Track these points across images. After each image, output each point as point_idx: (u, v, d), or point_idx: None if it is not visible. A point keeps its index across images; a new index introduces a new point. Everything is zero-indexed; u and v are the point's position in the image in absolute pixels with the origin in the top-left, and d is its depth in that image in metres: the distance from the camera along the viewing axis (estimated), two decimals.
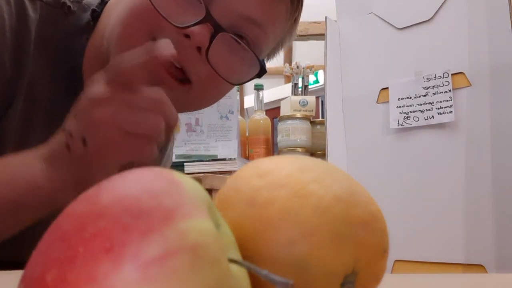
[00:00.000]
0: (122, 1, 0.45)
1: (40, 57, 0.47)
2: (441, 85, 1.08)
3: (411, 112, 1.13)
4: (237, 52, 0.46)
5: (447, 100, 1.07)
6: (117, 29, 0.44)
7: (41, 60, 0.47)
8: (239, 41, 0.45)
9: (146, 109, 0.36)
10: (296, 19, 0.53)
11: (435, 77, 1.10)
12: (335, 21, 1.34)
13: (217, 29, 0.43)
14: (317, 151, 1.62)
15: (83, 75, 0.49)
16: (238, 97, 1.58)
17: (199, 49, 0.43)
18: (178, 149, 1.38)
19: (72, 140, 0.37)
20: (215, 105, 1.47)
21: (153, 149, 0.37)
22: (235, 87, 1.53)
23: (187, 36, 0.42)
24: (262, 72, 0.48)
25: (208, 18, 0.42)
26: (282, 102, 1.77)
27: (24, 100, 0.47)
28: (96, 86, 0.36)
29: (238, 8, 0.45)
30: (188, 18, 0.42)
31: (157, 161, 0.65)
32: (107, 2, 0.51)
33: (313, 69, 1.89)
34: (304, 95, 1.82)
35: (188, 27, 0.42)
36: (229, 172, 1.32)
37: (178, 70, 0.45)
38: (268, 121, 1.75)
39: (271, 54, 0.54)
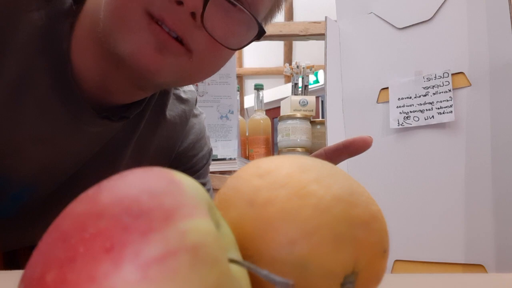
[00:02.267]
0: None
1: (25, 46, 0.46)
2: (441, 85, 1.08)
3: (411, 112, 1.13)
4: (233, 15, 0.45)
5: (447, 100, 1.07)
6: (110, 5, 0.43)
7: (27, 50, 0.46)
8: (235, 2, 0.44)
9: None
10: None
11: (435, 77, 1.10)
12: (335, 21, 1.34)
13: None
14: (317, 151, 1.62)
15: (72, 60, 0.48)
16: (238, 97, 1.58)
17: (193, 15, 0.42)
18: None
19: None
20: (215, 105, 1.47)
21: None
22: (235, 87, 1.53)
23: (179, 3, 0.41)
24: (260, 33, 0.47)
25: None
26: (282, 102, 1.77)
27: (12, 91, 0.45)
28: None
29: None
30: None
31: None
32: None
33: (313, 69, 1.89)
34: (304, 95, 1.82)
35: None
36: (229, 172, 1.32)
37: (177, 39, 0.44)
38: (268, 121, 1.75)
39: (268, 17, 0.53)
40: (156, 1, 0.42)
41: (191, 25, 0.43)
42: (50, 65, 0.47)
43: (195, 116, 0.66)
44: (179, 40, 0.43)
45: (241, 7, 0.44)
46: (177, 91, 0.63)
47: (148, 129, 0.58)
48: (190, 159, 0.65)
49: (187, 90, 0.65)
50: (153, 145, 0.60)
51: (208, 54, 0.46)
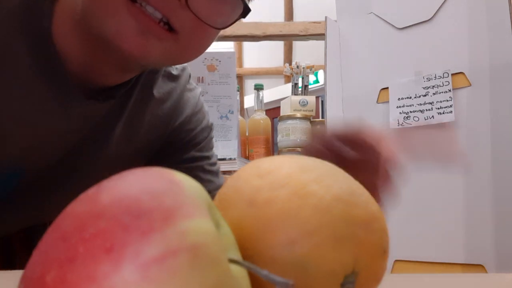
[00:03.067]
0: None
1: (2, 26, 0.45)
2: (441, 85, 1.08)
3: (411, 112, 1.13)
4: None
5: (447, 100, 1.07)
6: None
7: (5, 29, 0.45)
8: None
9: None
10: None
11: (435, 77, 1.10)
12: (335, 21, 1.34)
13: None
14: None
15: (54, 40, 0.47)
16: (238, 97, 1.58)
17: None
18: None
19: None
20: (215, 105, 1.47)
21: None
22: (235, 87, 1.53)
23: None
24: (246, 11, 0.46)
25: None
26: (282, 102, 1.77)
27: None
28: None
29: None
30: None
31: None
32: None
33: (313, 69, 1.89)
34: (304, 95, 1.82)
35: None
36: (229, 172, 1.32)
37: (161, 21, 0.43)
38: (268, 121, 1.75)
39: None
40: None
41: (176, 5, 0.42)
42: (31, 44, 0.46)
43: (190, 90, 0.65)
44: (164, 21, 0.43)
45: None
46: (168, 68, 0.62)
47: (137, 108, 0.57)
48: (188, 133, 0.64)
49: (179, 67, 0.64)
50: (144, 124, 0.59)
51: (194, 34, 0.46)
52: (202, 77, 1.47)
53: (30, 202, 0.55)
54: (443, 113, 1.07)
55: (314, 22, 2.36)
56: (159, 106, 0.60)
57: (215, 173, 0.66)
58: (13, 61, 0.46)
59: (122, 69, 0.50)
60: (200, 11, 0.43)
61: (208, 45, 0.50)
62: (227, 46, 3.54)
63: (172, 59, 0.49)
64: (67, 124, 0.51)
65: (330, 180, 0.23)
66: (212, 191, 0.65)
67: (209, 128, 0.68)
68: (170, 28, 0.44)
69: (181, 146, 0.63)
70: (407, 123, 1.13)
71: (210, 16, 0.44)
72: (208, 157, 0.67)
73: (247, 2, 0.47)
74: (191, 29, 0.45)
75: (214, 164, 0.68)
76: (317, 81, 3.35)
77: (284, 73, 2.15)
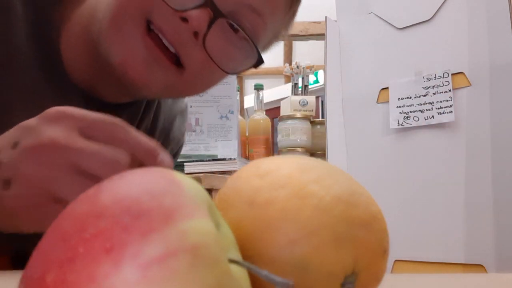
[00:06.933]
0: None
1: (12, 34, 0.45)
2: (441, 85, 1.08)
3: (411, 112, 1.13)
4: (234, 40, 0.45)
5: (447, 100, 1.07)
6: (109, 9, 0.42)
7: (15, 38, 0.45)
8: (237, 28, 0.44)
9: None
10: (294, 12, 0.51)
11: (435, 77, 1.10)
12: (335, 21, 1.34)
13: (216, 14, 0.41)
14: (317, 151, 1.62)
15: (61, 51, 0.47)
16: (238, 97, 1.58)
17: (195, 34, 0.42)
18: None
19: None
20: (215, 105, 1.47)
21: None
22: (235, 87, 1.53)
23: (184, 19, 0.41)
24: (259, 62, 0.47)
25: (208, 3, 0.41)
26: (282, 102, 1.77)
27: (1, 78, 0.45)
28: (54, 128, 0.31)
29: None
30: (187, 0, 0.41)
31: None
32: None
33: (313, 69, 1.89)
34: (304, 95, 1.82)
35: (187, 10, 0.41)
36: (229, 172, 1.32)
37: (172, 54, 0.43)
38: (268, 121, 1.75)
39: (266, 46, 0.53)
40: (159, 11, 0.41)
41: (191, 43, 0.42)
42: (41, 53, 0.46)
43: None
44: (175, 55, 0.43)
45: (244, 33, 0.44)
46: None
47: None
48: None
49: None
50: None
51: (201, 73, 0.46)
52: None
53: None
54: (443, 113, 1.07)
55: (314, 22, 2.36)
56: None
57: None
58: (22, 62, 0.46)
59: (123, 93, 0.50)
60: (214, 53, 0.43)
61: (213, 85, 0.50)
62: None
63: (174, 93, 0.49)
64: None
65: (330, 180, 0.23)
66: None
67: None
68: (178, 62, 0.44)
69: None
70: (407, 123, 1.13)
71: (222, 58, 0.44)
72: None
73: (261, 54, 0.47)
74: (200, 67, 0.44)
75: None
76: (317, 81, 3.35)
77: (284, 73, 2.15)
